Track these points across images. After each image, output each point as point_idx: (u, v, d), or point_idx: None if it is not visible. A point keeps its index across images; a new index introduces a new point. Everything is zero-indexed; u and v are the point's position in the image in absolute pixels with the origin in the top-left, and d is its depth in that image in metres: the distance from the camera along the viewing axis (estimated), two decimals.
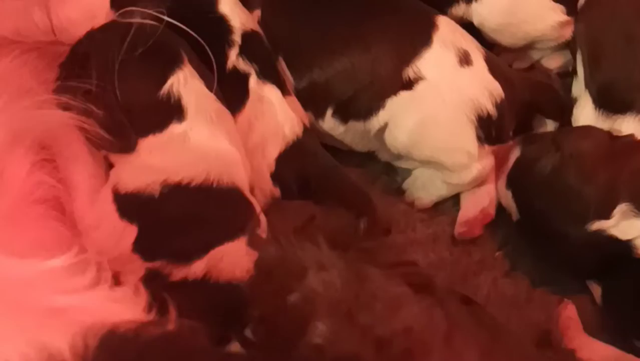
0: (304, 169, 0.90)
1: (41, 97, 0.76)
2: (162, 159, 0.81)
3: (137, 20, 0.82)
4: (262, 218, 0.82)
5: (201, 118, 0.83)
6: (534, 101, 0.96)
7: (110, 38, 0.82)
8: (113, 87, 0.80)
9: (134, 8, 0.84)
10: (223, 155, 0.82)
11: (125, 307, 0.67)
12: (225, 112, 0.86)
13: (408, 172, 0.97)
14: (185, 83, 0.83)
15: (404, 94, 0.90)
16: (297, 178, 0.89)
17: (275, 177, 0.89)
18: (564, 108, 0.97)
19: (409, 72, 0.90)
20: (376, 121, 0.91)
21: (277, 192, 0.89)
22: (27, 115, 0.75)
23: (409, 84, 0.90)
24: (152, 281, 0.74)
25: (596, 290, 0.91)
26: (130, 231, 0.78)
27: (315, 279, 0.65)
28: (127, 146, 0.81)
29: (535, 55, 1.03)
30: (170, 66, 0.83)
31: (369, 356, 0.63)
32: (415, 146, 0.91)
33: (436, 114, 0.90)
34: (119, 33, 0.82)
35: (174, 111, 0.82)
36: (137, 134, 0.81)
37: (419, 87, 0.90)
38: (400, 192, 0.97)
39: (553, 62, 1.02)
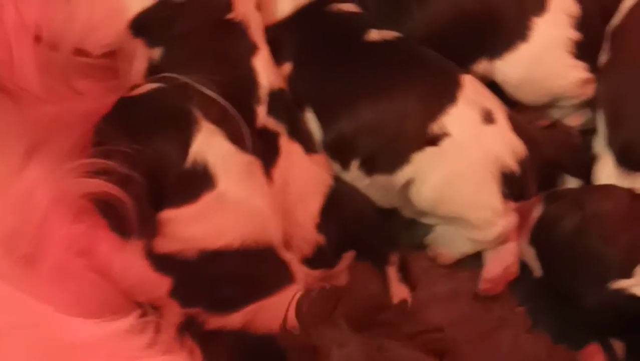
0: (344, 216, 0.92)
1: (82, 162, 0.77)
2: (198, 229, 0.79)
3: (149, 86, 0.82)
4: (300, 270, 0.83)
5: (232, 179, 0.81)
6: (556, 159, 0.97)
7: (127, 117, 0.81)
8: (140, 168, 0.77)
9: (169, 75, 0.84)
10: (257, 214, 0.82)
11: None
12: (254, 163, 0.84)
13: (430, 227, 0.97)
14: (208, 146, 0.80)
15: (429, 150, 0.90)
16: (338, 224, 0.91)
17: (321, 226, 0.90)
18: (586, 166, 0.97)
19: (435, 127, 0.90)
20: (401, 176, 0.91)
21: (321, 239, 0.90)
22: (70, 180, 0.76)
23: (434, 140, 0.90)
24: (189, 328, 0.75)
25: (619, 347, 0.91)
26: (164, 282, 0.78)
27: (338, 356, 0.68)
28: (149, 235, 0.78)
29: (556, 113, 1.03)
30: (187, 131, 0.80)
31: None
32: (441, 202, 0.91)
33: (461, 170, 0.90)
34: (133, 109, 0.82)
35: (202, 180, 0.79)
36: (170, 205, 0.79)
37: (444, 144, 0.90)
38: (421, 247, 0.97)
39: (574, 121, 1.02)
